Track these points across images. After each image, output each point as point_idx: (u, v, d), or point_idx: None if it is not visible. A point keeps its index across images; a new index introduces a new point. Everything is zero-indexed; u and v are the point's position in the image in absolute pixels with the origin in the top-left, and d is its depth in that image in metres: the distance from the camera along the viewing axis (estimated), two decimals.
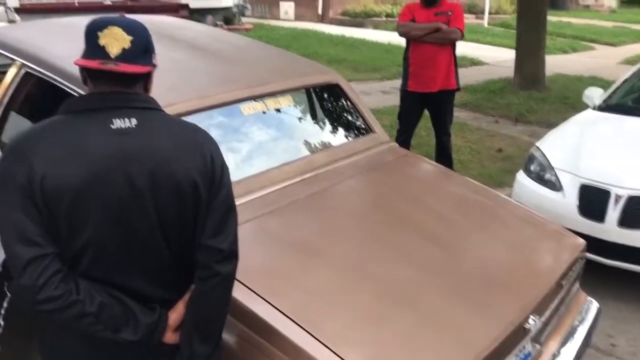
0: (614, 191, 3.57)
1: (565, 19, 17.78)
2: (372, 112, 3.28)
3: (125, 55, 1.44)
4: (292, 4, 17.87)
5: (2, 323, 2.12)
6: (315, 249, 2.17)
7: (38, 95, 2.70)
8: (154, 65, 1.55)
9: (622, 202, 3.53)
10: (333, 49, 11.76)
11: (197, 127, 1.62)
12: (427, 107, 4.88)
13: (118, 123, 1.44)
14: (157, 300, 1.55)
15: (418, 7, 4.71)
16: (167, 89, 2.32)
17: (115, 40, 1.43)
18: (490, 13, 17.23)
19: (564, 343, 2.37)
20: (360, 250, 2.21)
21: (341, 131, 3.09)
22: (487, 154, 6.03)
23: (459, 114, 6.54)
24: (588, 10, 22.13)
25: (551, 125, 5.71)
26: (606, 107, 4.71)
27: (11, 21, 6.49)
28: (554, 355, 2.29)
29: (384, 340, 1.82)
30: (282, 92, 2.80)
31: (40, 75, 2.51)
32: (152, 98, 1.56)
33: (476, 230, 2.56)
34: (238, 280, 1.77)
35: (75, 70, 1.55)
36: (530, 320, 2.05)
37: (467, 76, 8.20)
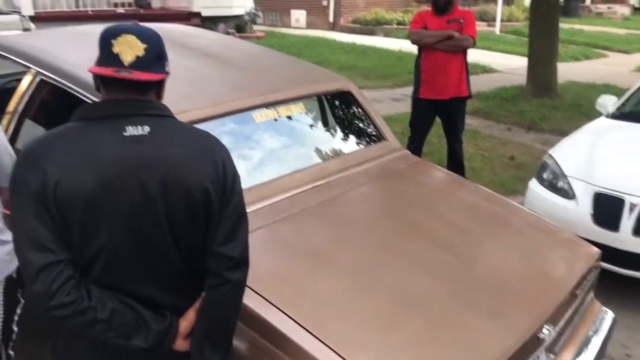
0: (628, 199, 3.54)
1: (577, 27, 17.69)
2: (383, 119, 3.27)
3: (139, 63, 1.45)
4: (303, 12, 17.95)
5: (15, 329, 2.13)
6: (326, 257, 2.16)
7: (52, 102, 2.72)
8: (167, 73, 1.55)
9: (636, 211, 3.50)
10: (344, 57, 11.79)
11: (209, 135, 1.63)
12: (439, 115, 4.87)
13: (131, 130, 1.45)
14: (168, 307, 1.55)
15: (430, 14, 4.71)
16: (181, 97, 2.33)
17: (129, 48, 1.44)
18: (502, 20, 17.18)
19: (578, 353, 2.34)
20: (372, 258, 2.20)
21: (353, 138, 3.09)
22: (499, 162, 6.00)
23: (470, 122, 6.52)
24: (601, 18, 22.01)
25: (564, 133, 5.67)
26: (620, 114, 4.68)
27: (26, 29, 6.56)
28: None
29: (396, 348, 1.80)
30: (294, 100, 2.81)
31: (55, 83, 2.53)
32: (165, 105, 1.57)
33: (488, 238, 2.54)
34: (249, 287, 1.77)
35: (90, 78, 1.56)
36: (544, 330, 2.02)
37: (478, 83, 8.18)
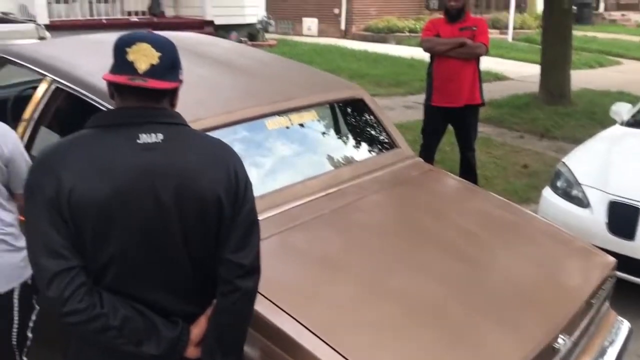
0: None
1: (590, 34, 17.59)
2: (395, 126, 3.27)
3: (153, 71, 1.45)
4: (315, 20, 18.02)
5: (30, 335, 2.14)
6: (339, 264, 2.16)
7: (68, 110, 2.74)
8: (181, 81, 1.56)
9: None
10: (356, 64, 11.80)
11: (222, 143, 1.63)
12: (451, 122, 4.85)
13: (144, 138, 1.46)
14: (179, 314, 1.56)
15: (442, 22, 4.71)
16: (195, 104, 2.35)
17: (143, 56, 1.45)
18: (514, 28, 17.14)
19: None
20: (385, 266, 2.19)
21: (365, 146, 3.09)
22: (512, 170, 5.97)
23: (483, 129, 6.48)
24: (614, 25, 21.87)
25: (577, 140, 5.63)
26: (634, 122, 4.64)
27: (41, 38, 6.63)
28: None
29: (409, 357, 1.79)
30: (307, 107, 2.81)
31: (71, 91, 2.56)
32: (178, 113, 1.57)
33: (502, 247, 2.52)
34: (262, 295, 1.77)
35: (105, 86, 1.58)
36: (559, 340, 2.00)
37: (491, 91, 8.14)
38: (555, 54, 8.62)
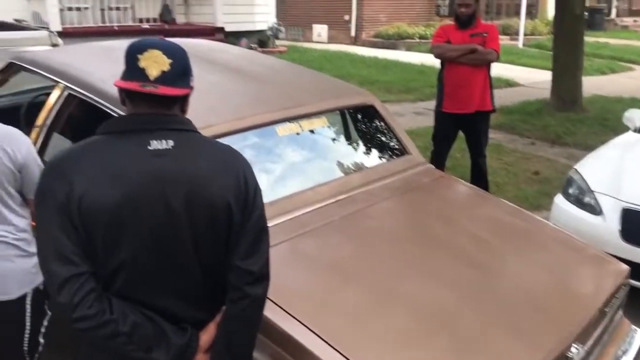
0: None
1: (602, 40, 17.50)
2: (406, 133, 3.26)
3: (164, 78, 1.46)
4: (325, 26, 18.06)
5: (41, 341, 2.14)
6: (350, 271, 2.15)
7: (80, 116, 2.76)
8: (192, 88, 1.56)
9: None
10: (366, 70, 11.81)
11: (232, 149, 1.64)
12: (462, 129, 4.84)
13: (155, 144, 1.46)
14: (188, 321, 1.56)
15: (453, 28, 4.70)
16: (206, 111, 2.35)
17: (155, 63, 1.45)
18: (525, 34, 17.09)
19: None
20: (396, 273, 2.18)
21: (376, 152, 3.09)
22: (523, 177, 5.93)
23: (494, 136, 6.46)
24: (626, 31, 21.75)
25: (589, 147, 5.59)
26: None
27: (54, 45, 6.68)
28: None
29: None
30: (318, 114, 2.81)
31: (83, 97, 2.57)
32: (189, 120, 1.58)
33: (514, 254, 2.50)
34: (272, 301, 1.77)
35: (117, 92, 1.58)
36: (572, 349, 1.98)
37: (502, 97, 8.11)
38: (566, 60, 8.58)
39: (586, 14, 10.09)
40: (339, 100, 3.04)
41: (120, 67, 1.50)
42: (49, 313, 2.14)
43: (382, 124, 3.14)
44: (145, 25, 12.43)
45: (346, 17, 17.49)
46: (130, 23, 12.43)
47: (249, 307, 1.55)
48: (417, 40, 16.31)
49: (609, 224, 3.64)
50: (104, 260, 1.45)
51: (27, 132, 2.49)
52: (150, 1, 12.97)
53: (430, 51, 4.86)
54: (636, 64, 14.47)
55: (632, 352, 2.44)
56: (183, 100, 1.56)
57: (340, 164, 2.83)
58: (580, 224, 3.74)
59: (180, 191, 1.45)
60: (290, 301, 1.87)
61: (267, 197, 2.05)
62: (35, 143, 2.60)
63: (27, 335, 2.09)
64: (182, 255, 1.50)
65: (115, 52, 1.55)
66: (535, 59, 14.01)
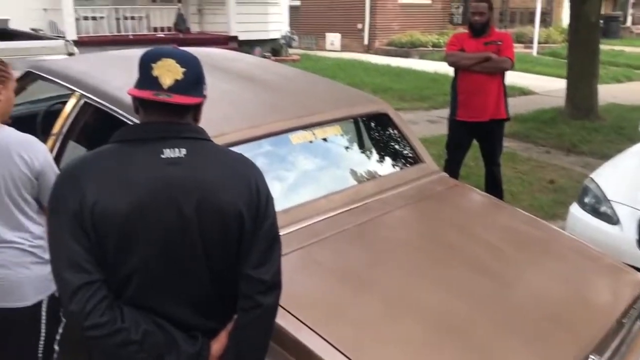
0: None
1: (617, 48, 17.38)
2: (419, 141, 3.25)
3: (177, 87, 1.46)
4: (338, 35, 18.12)
5: (56, 348, 2.15)
6: (363, 280, 2.14)
7: (96, 124, 2.78)
8: (205, 97, 1.57)
9: None
10: (379, 78, 11.81)
11: (244, 158, 1.64)
12: (476, 137, 4.81)
13: (168, 153, 1.47)
14: (200, 329, 1.56)
15: (466, 36, 4.69)
16: (220, 119, 2.36)
17: (168, 72, 1.46)
18: (539, 42, 17.02)
19: None
20: (409, 282, 2.17)
21: (390, 161, 3.08)
22: (538, 185, 5.88)
23: (508, 144, 6.42)
24: None
25: (605, 156, 5.54)
26: None
27: (70, 53, 6.75)
28: None
29: None
30: (331, 122, 2.81)
31: (99, 106, 2.59)
32: (202, 128, 1.58)
33: (529, 263, 2.48)
34: (285, 309, 1.76)
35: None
36: None
37: (516, 106, 8.07)
38: (582, 68, 8.52)
39: (601, 21, 10.01)
40: (352, 108, 3.04)
41: (135, 75, 1.51)
42: (64, 320, 2.15)
43: (396, 132, 3.13)
44: (160, 34, 12.55)
45: (359, 26, 17.54)
46: (145, 32, 12.58)
47: (260, 316, 1.54)
48: (431, 48, 16.31)
49: (626, 233, 3.59)
50: (116, 267, 1.45)
51: (44, 140, 2.50)
52: (164, 10, 13.11)
53: (443, 59, 4.85)
54: None
55: None
56: (196, 109, 1.57)
57: (353, 172, 2.82)
58: (597, 233, 3.69)
59: (192, 199, 1.46)
60: (303, 309, 1.86)
61: (280, 205, 2.05)
62: (51, 151, 2.62)
63: (42, 342, 2.10)
64: (193, 263, 1.50)
65: (131, 60, 1.56)
66: (550, 67, 13.94)
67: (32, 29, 9.28)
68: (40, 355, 2.11)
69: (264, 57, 11.98)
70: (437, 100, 9.67)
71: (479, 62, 4.48)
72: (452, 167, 4.74)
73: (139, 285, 1.47)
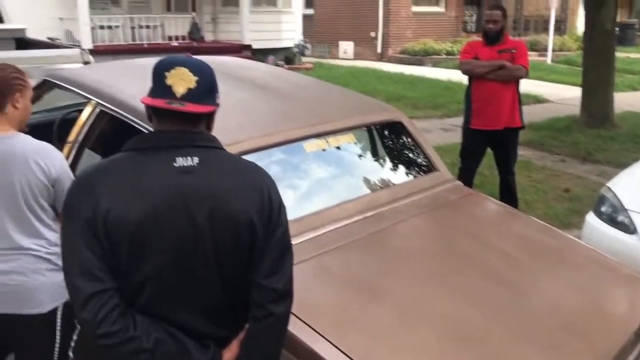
0: None
1: (633, 55, 17.22)
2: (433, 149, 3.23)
3: (190, 95, 1.47)
4: (351, 43, 18.16)
5: (71, 355, 2.16)
6: (376, 289, 2.13)
7: (111, 132, 2.81)
8: (217, 105, 1.57)
9: None
10: (392, 86, 11.80)
11: (257, 166, 1.64)
12: (491, 145, 4.79)
13: (181, 161, 1.47)
14: (211, 338, 1.55)
15: (480, 44, 4.68)
16: (234, 127, 2.37)
17: (181, 80, 1.47)
18: (553, 50, 16.92)
19: None
20: (424, 291, 2.15)
21: (404, 169, 3.06)
22: (553, 194, 5.83)
23: (523, 152, 6.38)
24: None
25: (621, 165, 5.48)
26: None
27: (86, 62, 6.83)
28: None
29: None
30: (345, 130, 2.81)
31: (114, 114, 2.61)
32: (214, 137, 1.59)
33: (545, 272, 2.45)
34: (299, 318, 1.76)
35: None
36: None
37: (530, 114, 8.02)
38: (597, 76, 8.46)
39: (617, 29, 9.93)
40: (366, 116, 3.03)
41: (150, 84, 1.52)
42: (79, 327, 2.15)
43: (410, 140, 3.12)
44: (175, 43, 12.65)
45: (372, 34, 17.56)
46: (159, 41, 12.69)
47: (272, 325, 1.54)
48: (444, 56, 16.28)
49: None
50: (129, 275, 1.46)
51: (60, 148, 2.53)
52: (179, 19, 13.23)
53: (457, 67, 4.84)
54: None
55: None
56: (209, 118, 1.57)
57: (367, 181, 2.81)
58: (614, 242, 3.64)
59: (204, 207, 1.46)
60: (316, 318, 1.86)
61: (294, 214, 2.05)
62: (67, 158, 2.64)
63: (57, 349, 2.11)
64: (206, 271, 1.50)
65: (145, 69, 1.57)
66: (565, 75, 13.84)
67: (49, 38, 9.40)
68: None
69: (277, 65, 12.03)
70: (451, 108, 9.63)
71: (493, 70, 4.46)
72: (466, 175, 4.71)
73: (152, 294, 1.48)
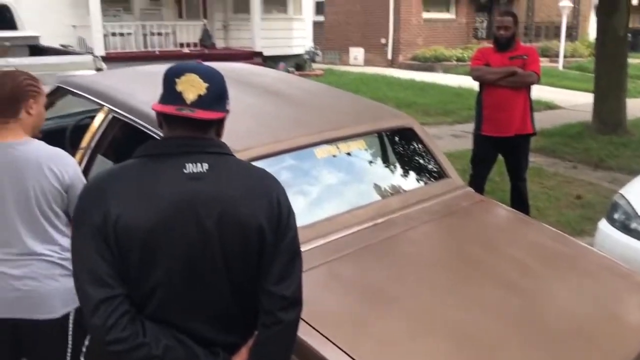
0: None
1: None
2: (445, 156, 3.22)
3: (200, 102, 1.47)
4: (361, 49, 18.19)
5: None
6: (387, 296, 2.12)
7: (124, 139, 2.82)
8: (227, 111, 1.58)
9: None
10: (402, 93, 11.80)
11: (266, 172, 1.64)
12: (502, 152, 4.77)
13: (190, 167, 1.47)
14: (220, 345, 1.55)
15: (491, 51, 4.66)
16: (245, 133, 2.38)
17: (191, 87, 1.47)
18: (565, 56, 16.85)
19: None
20: (435, 298, 2.14)
21: (415, 175, 3.06)
22: (565, 201, 5.79)
23: (534, 159, 6.34)
24: None
25: (634, 171, 5.43)
26: None
27: (98, 69, 6.90)
28: None
29: None
30: (356, 136, 2.81)
31: (127, 120, 2.63)
32: (224, 143, 1.59)
33: (558, 280, 2.43)
34: (310, 325, 1.75)
35: None
36: None
37: (542, 120, 7.97)
38: (609, 82, 8.41)
39: (629, 35, 9.88)
40: (377, 122, 3.03)
41: (161, 90, 1.53)
42: None
43: (421, 146, 3.11)
44: (186, 50, 12.74)
45: (383, 41, 17.59)
46: (171, 48, 12.78)
47: (281, 332, 1.54)
48: (455, 62, 16.27)
49: None
50: (139, 281, 1.46)
51: (72, 154, 2.55)
52: (190, 26, 13.32)
53: (468, 74, 4.83)
54: None
55: None
56: (219, 124, 1.58)
57: (378, 187, 2.81)
58: (627, 250, 3.61)
59: (213, 213, 1.46)
60: (327, 325, 1.85)
61: (305, 220, 2.05)
62: (79, 165, 2.66)
63: (69, 354, 2.11)
64: (214, 276, 1.50)
65: (157, 75, 1.58)
66: (576, 81, 13.78)
67: (62, 45, 9.51)
68: None
69: (288, 72, 12.07)
70: (462, 114, 9.61)
71: (505, 76, 4.44)
72: (477, 182, 4.69)
73: (162, 300, 1.48)
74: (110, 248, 1.42)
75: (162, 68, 1.67)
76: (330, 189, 2.66)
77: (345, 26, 18.40)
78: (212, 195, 1.47)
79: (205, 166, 1.48)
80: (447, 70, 15.75)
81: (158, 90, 1.54)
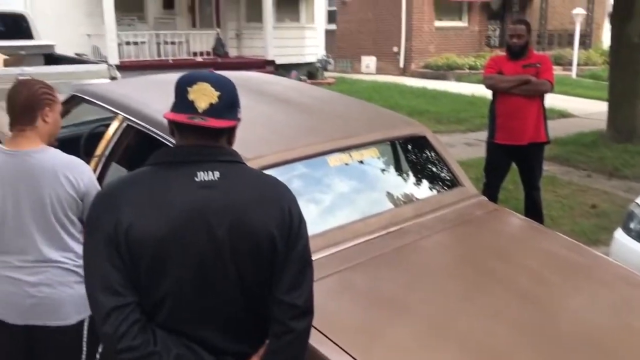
0: None
1: None
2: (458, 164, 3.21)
3: (212, 110, 1.48)
4: (373, 58, 18.21)
5: None
6: (401, 305, 2.11)
7: (138, 147, 2.84)
8: (239, 120, 1.58)
9: None
10: (415, 101, 11.78)
11: (277, 181, 1.64)
12: (515, 160, 4.74)
13: (202, 176, 1.48)
14: (231, 354, 1.55)
15: (504, 59, 4.65)
16: (258, 142, 2.38)
17: (203, 95, 1.48)
18: (578, 64, 16.76)
19: None
20: (448, 308, 2.12)
21: (428, 184, 3.04)
22: (579, 210, 5.74)
23: (548, 168, 6.30)
24: None
25: None
26: None
27: (112, 77, 6.97)
28: None
29: None
30: (369, 144, 2.81)
31: (141, 128, 2.65)
32: (235, 151, 1.59)
33: (573, 290, 2.40)
34: (322, 333, 1.75)
35: None
36: None
37: (555, 128, 7.92)
38: (624, 90, 8.34)
39: None
40: (389, 131, 3.03)
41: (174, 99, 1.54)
42: None
43: (434, 154, 3.10)
44: (199, 59, 12.81)
45: (395, 49, 17.60)
46: (184, 56, 12.86)
47: (292, 341, 1.53)
48: (467, 70, 16.23)
49: None
50: (149, 289, 1.46)
51: (87, 162, 2.56)
52: (204, 35, 13.40)
53: (481, 82, 4.81)
54: None
55: None
56: (230, 132, 1.58)
57: (391, 196, 2.80)
58: None
59: (224, 221, 1.46)
60: (339, 333, 1.84)
61: (317, 228, 2.04)
62: (94, 172, 2.68)
63: None
64: (225, 283, 1.50)
65: (171, 84, 1.59)
66: (590, 89, 13.69)
67: (77, 54, 9.61)
68: None
69: (300, 80, 12.11)
70: (474, 122, 9.57)
71: (518, 84, 4.43)
72: (491, 190, 4.66)
73: (172, 308, 1.48)
74: (122, 256, 1.43)
75: (175, 77, 1.68)
76: (343, 197, 2.65)
77: (357, 34, 18.44)
78: (223, 203, 1.47)
79: (217, 174, 1.49)
80: (459, 79, 15.71)
81: (171, 98, 1.55)
